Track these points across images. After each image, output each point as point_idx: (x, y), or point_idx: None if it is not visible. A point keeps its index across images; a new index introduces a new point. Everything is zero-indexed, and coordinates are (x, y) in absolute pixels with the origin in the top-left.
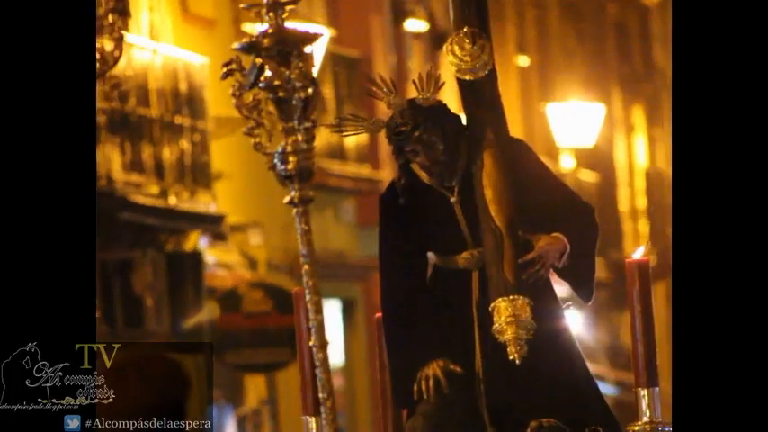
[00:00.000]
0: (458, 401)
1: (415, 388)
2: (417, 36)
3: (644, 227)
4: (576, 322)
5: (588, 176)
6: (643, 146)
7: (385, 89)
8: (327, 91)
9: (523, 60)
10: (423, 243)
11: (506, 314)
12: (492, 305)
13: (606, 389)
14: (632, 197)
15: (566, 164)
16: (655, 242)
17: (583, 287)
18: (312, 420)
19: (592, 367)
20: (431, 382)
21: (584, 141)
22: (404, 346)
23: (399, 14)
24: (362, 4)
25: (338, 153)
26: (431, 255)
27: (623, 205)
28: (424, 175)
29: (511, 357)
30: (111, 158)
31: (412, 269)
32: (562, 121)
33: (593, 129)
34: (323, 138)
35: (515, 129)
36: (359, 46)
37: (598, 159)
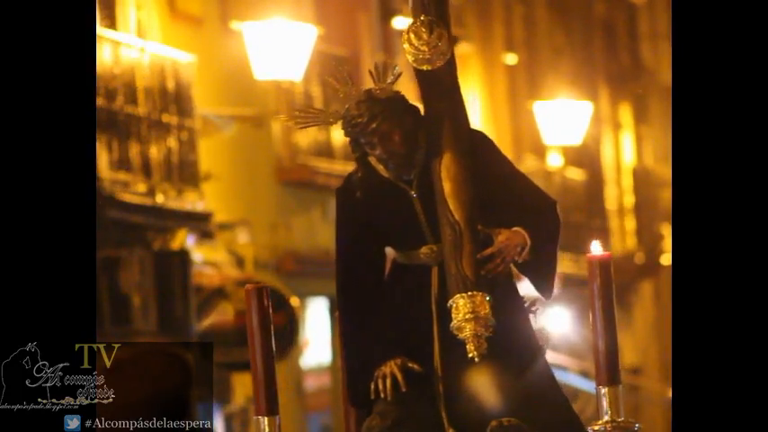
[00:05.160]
0: (416, 400)
1: (372, 387)
2: None
3: (631, 224)
4: (562, 320)
5: (575, 174)
6: (630, 144)
7: (341, 80)
8: (315, 89)
9: (511, 58)
10: (381, 238)
11: (465, 311)
12: (450, 301)
13: (592, 386)
14: (619, 195)
15: (553, 162)
16: (642, 240)
17: (543, 283)
18: (265, 420)
19: (576, 364)
20: (388, 381)
21: (571, 139)
22: (361, 343)
23: (386, 12)
24: (350, 2)
25: (325, 151)
26: (389, 250)
27: (610, 203)
28: (381, 168)
29: (470, 355)
30: (98, 156)
31: (369, 264)
32: (550, 119)
33: (580, 127)
34: (310, 135)
35: (503, 127)
36: (346, 44)
37: (585, 157)
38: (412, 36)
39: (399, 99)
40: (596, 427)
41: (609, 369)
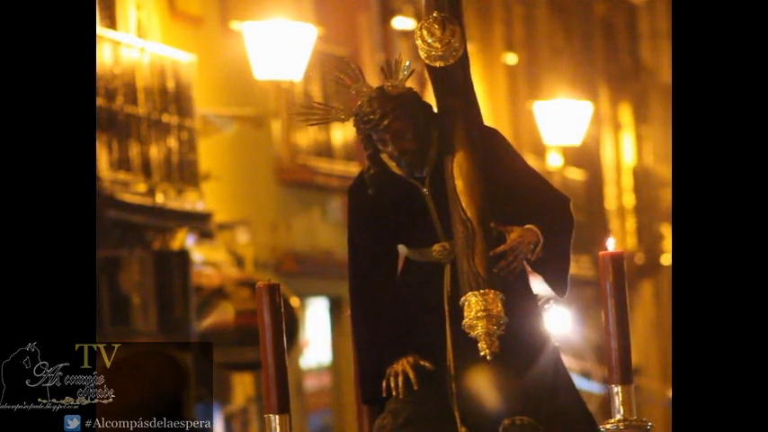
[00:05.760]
0: (428, 398)
1: (384, 385)
2: (405, 34)
3: (631, 225)
4: (563, 320)
5: (575, 174)
6: (630, 144)
7: (352, 76)
8: (315, 89)
9: (511, 58)
10: (393, 235)
11: (477, 308)
12: (463, 299)
13: (593, 387)
14: (619, 195)
15: (553, 162)
16: (642, 240)
17: (557, 281)
18: (276, 418)
19: (579, 365)
20: (400, 379)
21: (571, 139)
22: (373, 341)
23: (387, 12)
24: (350, 2)
25: (325, 151)
26: (402, 247)
27: (610, 203)
28: (393, 166)
29: (482, 353)
30: (98, 156)
31: (382, 262)
32: (549, 119)
33: (580, 127)
34: (310, 136)
35: (503, 127)
36: (346, 44)
37: (585, 157)
38: (425, 32)
39: (412, 96)
40: (609, 426)
41: (622, 368)
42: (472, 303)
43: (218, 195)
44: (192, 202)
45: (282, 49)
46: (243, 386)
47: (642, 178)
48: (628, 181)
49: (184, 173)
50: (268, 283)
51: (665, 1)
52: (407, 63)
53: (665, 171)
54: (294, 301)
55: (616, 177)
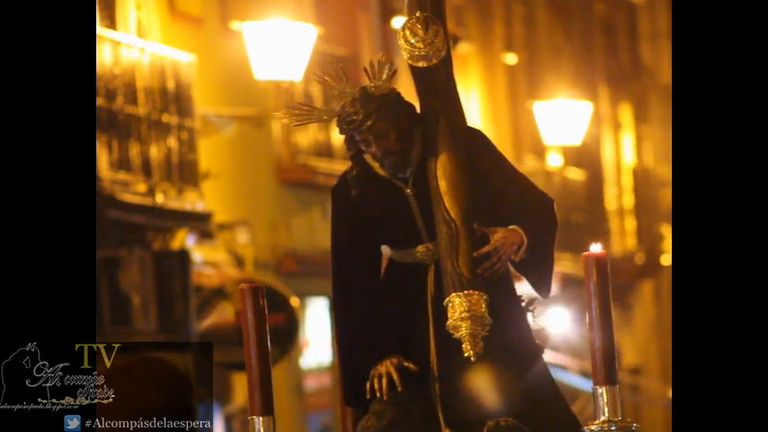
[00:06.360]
0: (412, 400)
1: (368, 386)
2: None
3: (631, 225)
4: (563, 319)
5: (575, 174)
6: (630, 144)
7: (335, 77)
8: (315, 89)
9: (511, 58)
10: (377, 236)
11: (461, 309)
12: (446, 300)
13: (591, 386)
14: (619, 195)
15: (553, 162)
16: (642, 240)
17: (540, 282)
18: (260, 420)
19: (576, 364)
20: (384, 381)
21: (571, 139)
22: (356, 342)
23: (386, 12)
24: (350, 2)
25: (325, 151)
26: (385, 248)
27: (610, 203)
28: (377, 166)
29: (466, 354)
30: (98, 156)
31: (365, 263)
32: (549, 119)
33: (580, 127)
34: (310, 135)
35: (503, 127)
36: (346, 44)
37: (585, 157)
38: (407, 33)
39: (395, 96)
40: (593, 427)
41: (606, 368)
42: (456, 304)
43: (218, 195)
44: (191, 202)
45: (282, 49)
46: (243, 386)
47: (642, 178)
48: (628, 181)
49: (184, 173)
50: (251, 285)
51: (665, 1)
52: (390, 63)
53: (665, 171)
54: (294, 301)
55: (616, 177)
